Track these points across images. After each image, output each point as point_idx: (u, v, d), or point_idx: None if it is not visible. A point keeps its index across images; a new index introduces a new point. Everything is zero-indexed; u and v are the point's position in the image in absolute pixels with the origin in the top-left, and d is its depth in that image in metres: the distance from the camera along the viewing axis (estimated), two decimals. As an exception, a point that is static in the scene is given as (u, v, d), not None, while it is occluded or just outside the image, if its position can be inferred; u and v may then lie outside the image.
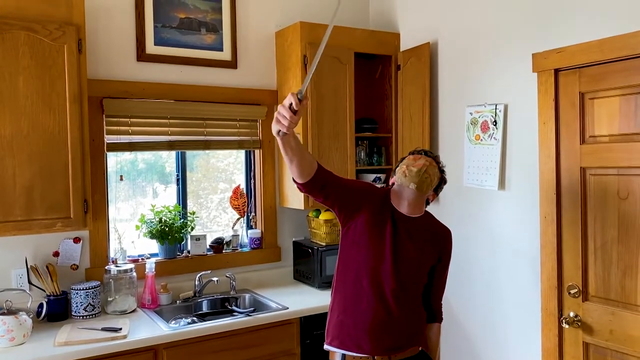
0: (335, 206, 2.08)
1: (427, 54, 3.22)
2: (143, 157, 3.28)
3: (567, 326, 2.54)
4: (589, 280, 2.49)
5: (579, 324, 2.51)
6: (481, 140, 2.96)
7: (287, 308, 2.88)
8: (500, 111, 2.85)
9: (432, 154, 2.15)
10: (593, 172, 2.46)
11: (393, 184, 2.15)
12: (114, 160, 3.11)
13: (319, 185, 2.01)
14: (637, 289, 2.31)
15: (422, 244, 2.10)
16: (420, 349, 2.14)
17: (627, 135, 2.32)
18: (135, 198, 3.25)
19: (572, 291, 2.54)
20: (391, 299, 2.03)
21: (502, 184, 2.86)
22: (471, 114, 3.02)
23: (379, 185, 2.29)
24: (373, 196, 2.09)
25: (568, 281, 2.56)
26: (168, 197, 3.33)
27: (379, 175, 3.49)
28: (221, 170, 3.58)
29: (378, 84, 3.63)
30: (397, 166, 2.15)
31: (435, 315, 2.23)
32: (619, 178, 2.36)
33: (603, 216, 2.43)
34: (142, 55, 3.04)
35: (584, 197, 2.50)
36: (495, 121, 2.87)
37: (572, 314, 2.54)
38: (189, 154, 3.37)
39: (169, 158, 3.35)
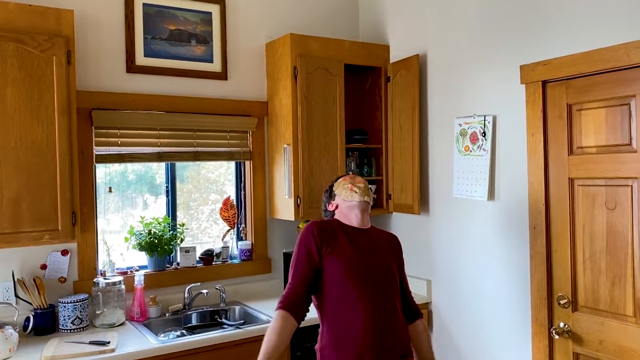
0: (318, 288, 2.12)
1: (417, 66, 3.24)
2: (133, 168, 3.27)
3: (557, 337, 2.54)
4: (579, 290, 2.50)
5: (569, 334, 2.52)
6: (470, 151, 2.98)
7: (278, 320, 2.86)
8: (489, 122, 2.87)
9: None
10: (581, 182, 2.48)
11: (334, 210, 2.26)
12: (103, 171, 3.09)
13: (307, 308, 2.09)
14: (625, 299, 2.32)
15: (383, 251, 2.20)
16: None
17: (613, 147, 2.35)
18: (125, 210, 3.22)
19: (562, 301, 2.54)
20: (380, 314, 2.04)
21: (491, 194, 2.87)
22: (460, 125, 3.04)
23: (323, 217, 2.36)
24: (314, 245, 2.12)
25: (558, 292, 2.57)
26: (158, 208, 3.31)
27: (370, 186, 3.48)
28: (212, 182, 3.57)
29: (368, 96, 3.65)
30: (330, 194, 2.30)
31: (415, 312, 2.30)
32: (607, 189, 2.38)
33: (591, 227, 2.44)
34: (131, 67, 3.04)
35: (573, 208, 2.52)
36: (484, 132, 2.89)
37: (562, 325, 2.55)
38: (180, 165, 3.36)
39: (159, 169, 3.34)
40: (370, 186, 2.28)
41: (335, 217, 2.26)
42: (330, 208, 2.29)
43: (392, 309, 2.09)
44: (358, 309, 2.03)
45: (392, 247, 2.26)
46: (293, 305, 2.03)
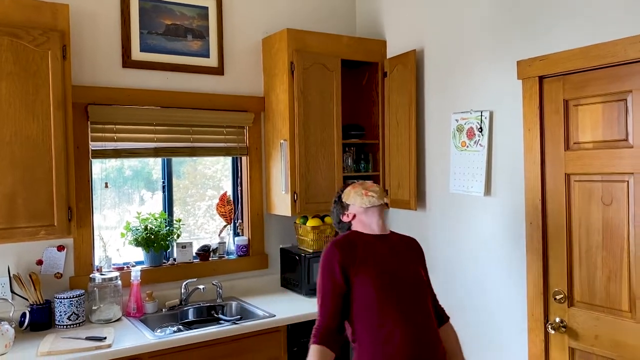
0: (349, 309, 2.03)
1: (414, 61, 3.24)
2: (129, 164, 3.26)
3: (553, 332, 2.55)
4: (574, 285, 2.51)
5: (565, 329, 2.53)
6: (467, 146, 2.98)
7: (274, 316, 2.87)
8: (485, 118, 2.87)
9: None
10: (577, 178, 2.48)
11: (350, 221, 2.18)
12: (99, 167, 3.08)
13: (343, 333, 2.02)
14: (621, 294, 2.33)
15: (408, 258, 2.14)
16: None
17: (610, 142, 2.35)
18: (122, 205, 3.22)
19: (558, 297, 2.55)
20: (417, 327, 1.98)
21: (487, 190, 2.88)
22: (457, 120, 3.04)
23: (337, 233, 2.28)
24: (339, 271, 2.00)
25: (554, 287, 2.58)
26: (155, 204, 3.31)
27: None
28: (209, 177, 3.56)
29: (365, 91, 3.65)
30: (341, 205, 2.20)
31: (442, 316, 2.24)
32: (603, 184, 2.38)
33: (588, 222, 2.45)
34: (127, 62, 3.02)
35: (569, 203, 2.52)
36: (481, 128, 2.89)
37: (557, 320, 2.55)
38: (176, 161, 3.35)
39: (155, 165, 3.33)
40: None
41: (353, 228, 2.18)
42: (346, 219, 2.20)
43: (428, 320, 2.04)
44: (395, 326, 1.95)
45: (415, 251, 2.21)
46: (327, 340, 1.95)
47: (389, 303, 1.97)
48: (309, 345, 1.96)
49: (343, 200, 2.20)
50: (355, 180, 2.24)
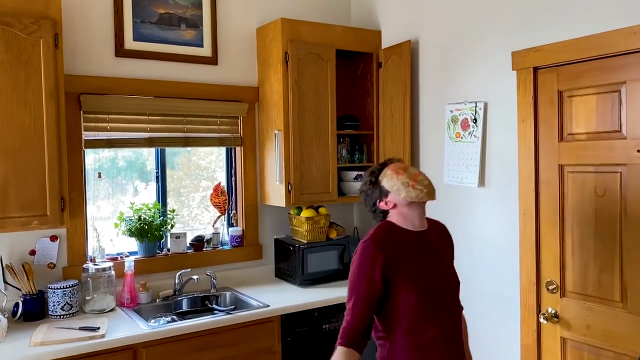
0: (383, 310, 1.91)
1: (408, 52, 3.23)
2: (123, 154, 3.24)
3: (545, 322, 2.57)
4: (567, 276, 2.52)
5: (557, 319, 2.55)
6: (461, 137, 2.98)
7: (268, 306, 2.87)
8: (480, 109, 2.86)
9: (400, 160, 2.05)
10: (571, 169, 2.49)
11: (386, 210, 1.96)
12: (93, 157, 3.06)
13: (370, 334, 1.90)
14: (613, 285, 2.35)
15: (443, 252, 2.03)
16: None
17: (603, 133, 2.36)
18: (115, 196, 3.20)
19: (550, 287, 2.57)
20: (451, 331, 1.93)
21: (481, 181, 2.88)
22: (451, 111, 3.04)
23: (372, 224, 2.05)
24: (379, 273, 1.84)
25: (546, 277, 2.59)
26: (149, 195, 3.29)
27: (359, 172, 3.49)
28: (203, 168, 3.55)
29: (359, 82, 3.64)
30: (379, 188, 1.94)
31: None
32: (596, 175, 2.39)
33: (581, 213, 2.46)
34: (120, 51, 3.00)
35: (562, 194, 2.53)
36: (475, 119, 2.89)
37: (550, 310, 2.57)
38: (170, 151, 3.33)
39: (149, 156, 3.31)
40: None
41: (390, 217, 1.97)
42: (385, 207, 1.95)
43: (459, 320, 1.99)
44: (434, 332, 1.87)
45: (448, 242, 2.09)
46: (355, 342, 1.85)
47: (429, 309, 1.87)
48: (336, 346, 1.87)
49: (382, 184, 1.93)
50: (394, 160, 1.98)
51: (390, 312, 1.88)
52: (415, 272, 1.88)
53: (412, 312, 1.85)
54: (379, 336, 1.94)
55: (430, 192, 1.90)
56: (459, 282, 2.02)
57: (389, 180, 1.92)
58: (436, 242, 2.01)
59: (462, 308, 2.08)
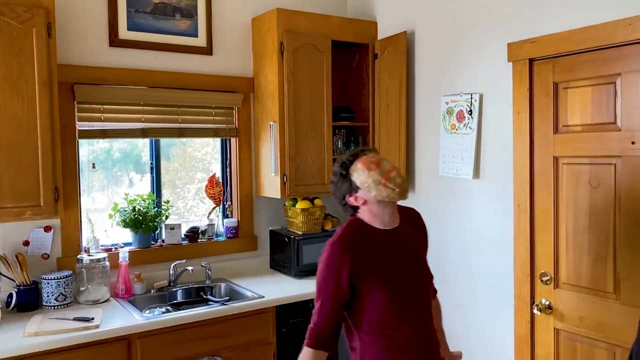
0: (351, 310, 1.87)
1: (404, 43, 3.22)
2: (118, 146, 3.23)
3: (538, 313, 2.58)
4: (561, 267, 2.53)
5: (550, 310, 2.56)
6: (457, 129, 2.97)
7: (263, 297, 2.88)
8: (475, 101, 2.86)
9: (375, 150, 1.93)
10: (566, 161, 2.49)
11: (356, 206, 1.87)
12: (87, 149, 3.04)
13: (338, 334, 1.86)
14: (606, 276, 2.36)
15: (415, 245, 1.95)
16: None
17: (598, 125, 2.36)
18: (110, 188, 3.19)
19: (544, 278, 2.58)
20: (424, 327, 1.88)
21: (476, 172, 2.88)
22: (447, 103, 3.03)
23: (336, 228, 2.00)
24: (346, 274, 1.78)
25: (540, 269, 2.60)
26: (144, 186, 3.28)
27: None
28: (198, 160, 3.54)
29: (355, 73, 3.62)
30: (349, 183, 1.84)
31: (434, 290, 2.09)
32: (591, 167, 2.39)
33: (575, 205, 2.47)
34: (114, 41, 2.98)
35: (557, 186, 2.53)
36: (470, 110, 2.89)
37: (543, 301, 2.58)
38: (166, 143, 3.32)
39: (144, 147, 3.30)
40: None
41: (360, 214, 1.89)
42: (355, 203, 1.86)
43: (430, 318, 1.93)
44: (406, 330, 1.82)
45: (420, 232, 2.01)
46: (322, 344, 1.81)
47: (403, 309, 1.82)
48: (303, 346, 1.84)
49: (352, 179, 1.83)
50: (366, 151, 1.87)
51: (361, 312, 1.83)
52: (386, 272, 1.82)
53: (385, 312, 1.80)
54: (351, 346, 1.90)
55: (402, 192, 1.81)
56: (432, 277, 1.96)
57: (359, 175, 1.82)
58: (409, 236, 1.93)
59: (435, 291, 2.06)
